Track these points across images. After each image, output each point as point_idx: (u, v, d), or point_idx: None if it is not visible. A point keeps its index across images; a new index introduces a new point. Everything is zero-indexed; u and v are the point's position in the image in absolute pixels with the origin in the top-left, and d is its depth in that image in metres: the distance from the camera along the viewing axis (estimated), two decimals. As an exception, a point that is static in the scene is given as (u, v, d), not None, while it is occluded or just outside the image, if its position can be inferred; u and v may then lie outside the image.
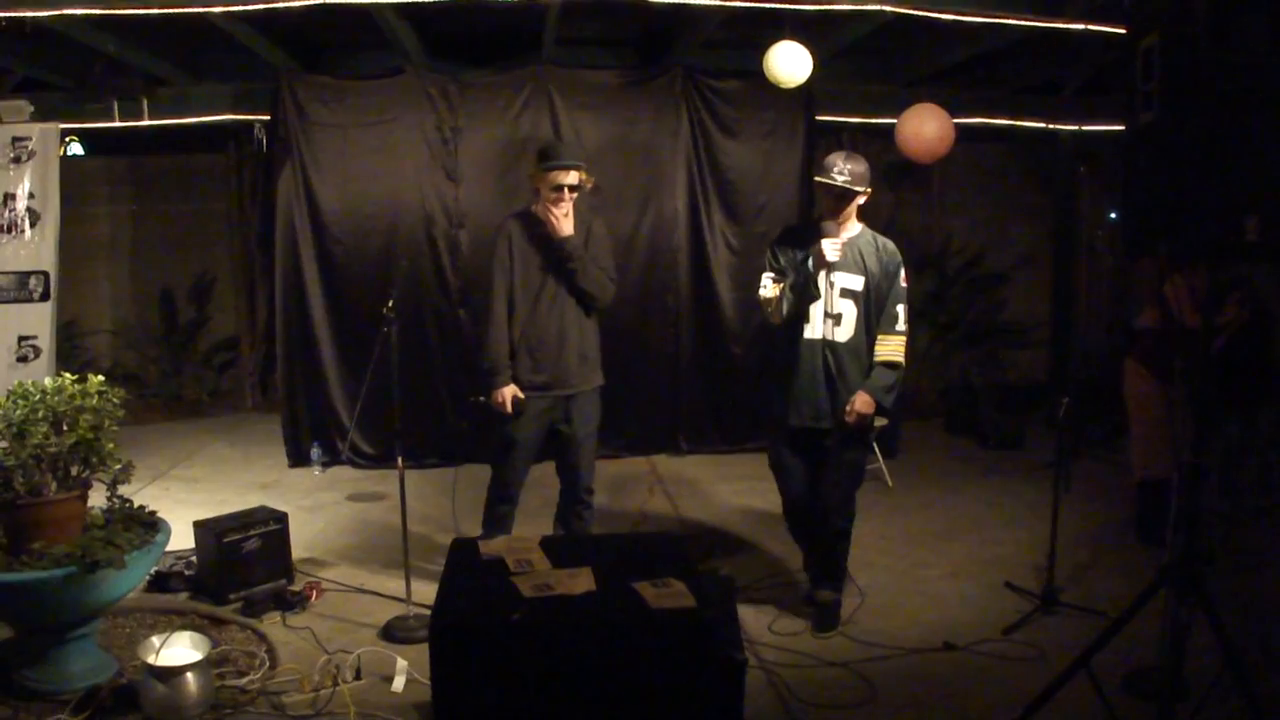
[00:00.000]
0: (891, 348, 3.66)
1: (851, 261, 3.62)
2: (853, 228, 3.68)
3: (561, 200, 3.85)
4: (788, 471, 3.81)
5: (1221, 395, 4.75)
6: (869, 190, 3.64)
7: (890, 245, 3.72)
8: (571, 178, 3.85)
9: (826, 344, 3.62)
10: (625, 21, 6.07)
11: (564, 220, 3.86)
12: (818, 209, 3.69)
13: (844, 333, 3.63)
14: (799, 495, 3.83)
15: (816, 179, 3.62)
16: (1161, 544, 4.38)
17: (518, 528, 4.11)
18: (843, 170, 3.55)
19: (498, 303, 3.92)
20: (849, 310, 3.63)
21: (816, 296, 3.59)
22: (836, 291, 3.61)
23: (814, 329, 3.63)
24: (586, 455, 4.06)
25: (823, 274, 3.57)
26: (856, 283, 3.63)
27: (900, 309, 3.67)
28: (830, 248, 3.52)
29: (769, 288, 3.64)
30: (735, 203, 6.45)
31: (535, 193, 3.96)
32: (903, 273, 3.69)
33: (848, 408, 3.61)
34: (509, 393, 3.86)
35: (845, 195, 3.59)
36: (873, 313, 3.65)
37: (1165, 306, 4.51)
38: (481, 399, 3.94)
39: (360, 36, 6.02)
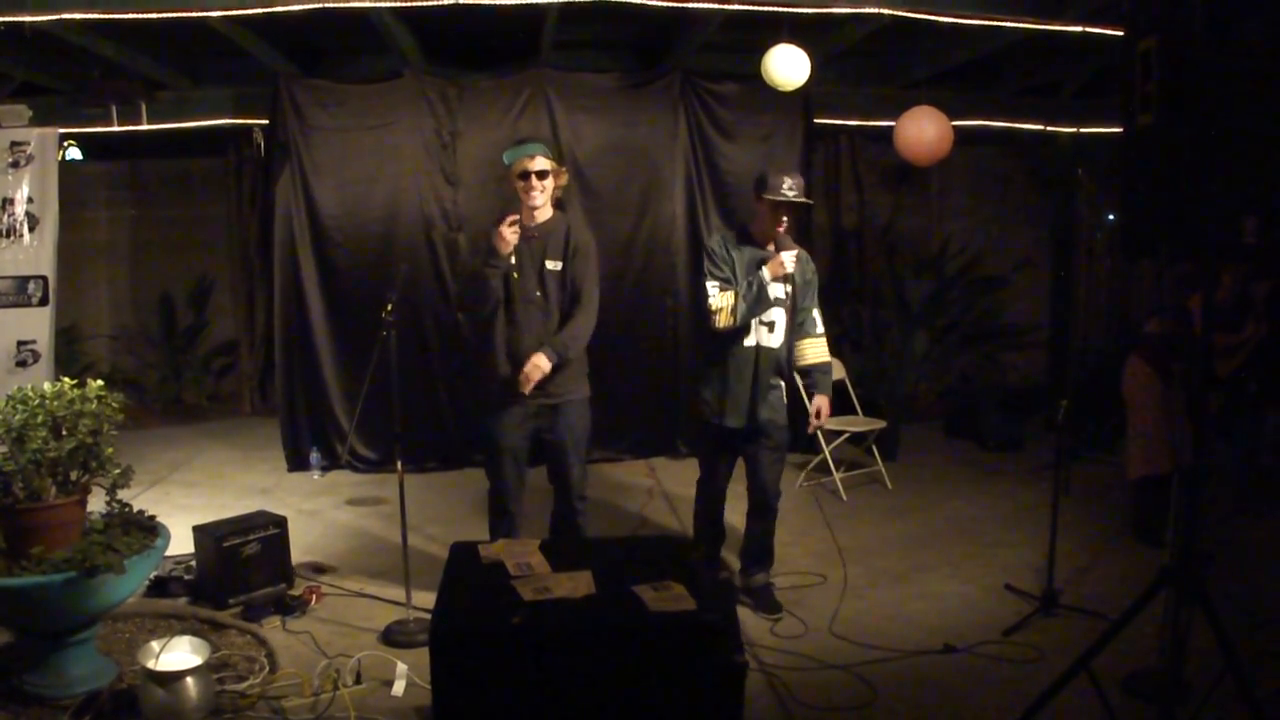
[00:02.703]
0: (822, 348, 4.00)
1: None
2: None
3: (532, 189, 3.78)
4: (719, 473, 4.04)
5: (1261, 392, 4.75)
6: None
7: (805, 253, 3.92)
8: (538, 164, 3.77)
9: (760, 350, 3.82)
10: (623, 25, 6.06)
11: (540, 212, 3.83)
12: (761, 224, 3.81)
13: (776, 339, 3.85)
14: (723, 491, 4.09)
15: (767, 197, 3.73)
16: (1160, 545, 4.38)
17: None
18: (792, 186, 3.71)
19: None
20: (780, 318, 3.84)
21: (771, 305, 3.76)
22: (772, 300, 3.79)
23: (751, 336, 3.82)
24: (575, 465, 3.96)
25: (773, 286, 3.74)
26: (785, 291, 3.83)
27: (817, 312, 3.99)
28: (790, 260, 3.70)
29: (717, 296, 3.74)
30: (734, 206, 6.43)
31: (516, 197, 3.91)
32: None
33: (815, 417, 3.94)
34: (503, 228, 3.67)
35: (797, 208, 3.76)
36: (794, 319, 3.89)
37: (1187, 319, 4.48)
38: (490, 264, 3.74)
39: (359, 40, 6.02)
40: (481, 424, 3.96)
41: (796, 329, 3.91)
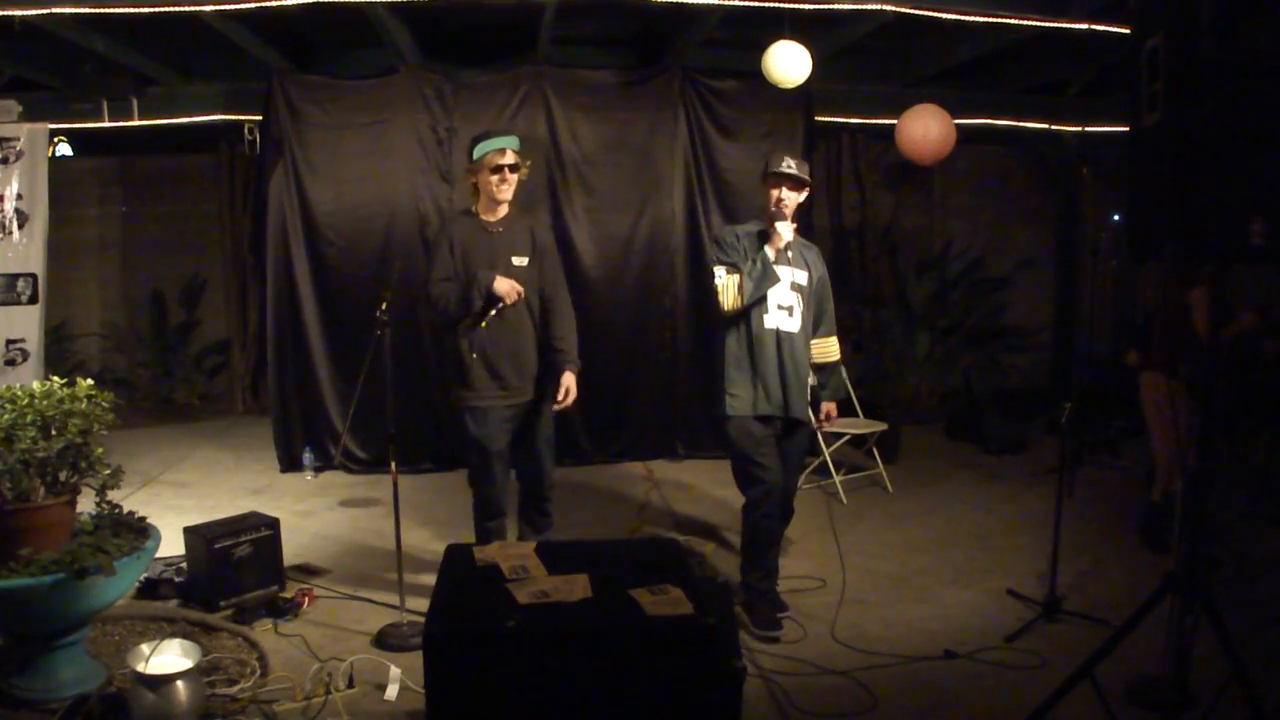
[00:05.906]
0: (835, 348, 4.05)
1: (797, 258, 3.84)
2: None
3: (504, 182, 3.79)
4: (768, 461, 3.79)
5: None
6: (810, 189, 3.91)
7: (815, 247, 4.04)
8: (509, 157, 3.79)
9: (781, 334, 3.80)
10: (622, 21, 6.04)
11: (502, 207, 3.85)
12: (765, 205, 3.83)
13: (795, 324, 3.83)
14: (777, 481, 3.82)
15: (771, 171, 3.76)
16: (1166, 550, 4.34)
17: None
18: (790, 164, 3.75)
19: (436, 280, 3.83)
20: (797, 304, 3.84)
21: (777, 279, 3.74)
22: (787, 284, 3.80)
23: (771, 319, 3.79)
24: (548, 459, 4.07)
25: (779, 267, 3.75)
26: (802, 278, 3.85)
27: (832, 308, 4.03)
28: (785, 229, 3.73)
29: (724, 277, 3.74)
30: (733, 204, 6.38)
31: (473, 190, 3.90)
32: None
33: (823, 418, 4.05)
34: (503, 282, 3.71)
35: (799, 183, 3.76)
36: (810, 309, 3.90)
37: (1186, 316, 4.43)
38: (487, 316, 3.77)
39: (354, 35, 5.98)
40: (465, 431, 3.93)
41: (814, 324, 3.93)
